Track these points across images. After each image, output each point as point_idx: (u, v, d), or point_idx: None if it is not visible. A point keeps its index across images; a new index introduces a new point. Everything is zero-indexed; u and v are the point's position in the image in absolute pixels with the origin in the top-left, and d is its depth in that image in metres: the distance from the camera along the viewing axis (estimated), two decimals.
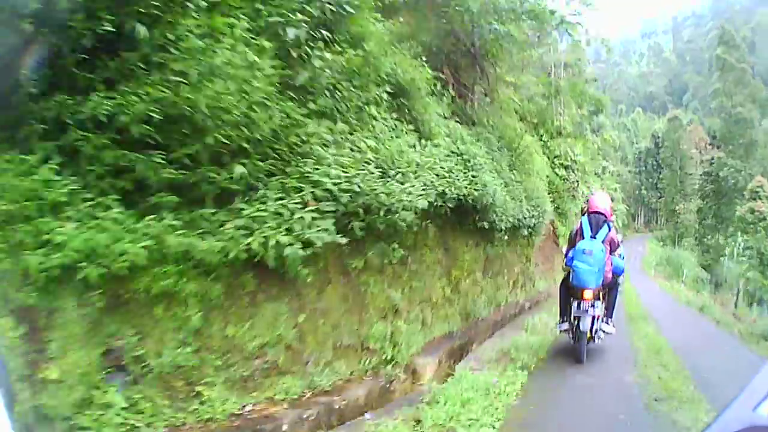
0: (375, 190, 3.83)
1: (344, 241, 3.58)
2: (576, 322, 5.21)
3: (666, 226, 57.01)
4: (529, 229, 9.62)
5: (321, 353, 3.78)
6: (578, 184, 18.59)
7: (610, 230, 5.17)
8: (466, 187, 5.53)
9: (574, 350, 5.42)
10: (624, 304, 10.99)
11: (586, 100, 17.74)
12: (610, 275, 5.26)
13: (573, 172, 18.01)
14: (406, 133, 4.86)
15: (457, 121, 6.92)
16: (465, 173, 5.68)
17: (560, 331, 5.59)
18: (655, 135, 61.69)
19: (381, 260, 4.47)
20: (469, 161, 5.87)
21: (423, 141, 5.09)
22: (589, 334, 5.22)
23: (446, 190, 5.06)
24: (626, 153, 63.49)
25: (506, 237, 8.05)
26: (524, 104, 15.53)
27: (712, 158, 45.87)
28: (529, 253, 10.99)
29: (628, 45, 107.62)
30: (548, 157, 16.83)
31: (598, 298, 5.19)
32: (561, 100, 14.56)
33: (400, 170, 4.27)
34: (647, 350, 6.60)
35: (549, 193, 14.71)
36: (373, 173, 3.93)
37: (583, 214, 5.55)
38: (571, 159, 17.89)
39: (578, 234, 5.28)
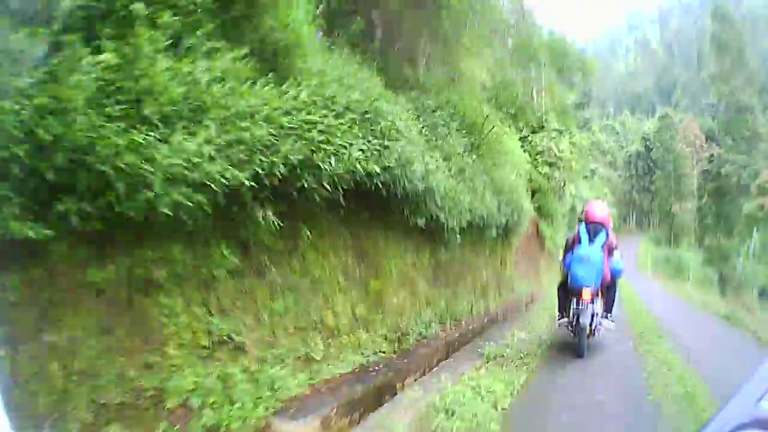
0: (92, 138, 2.11)
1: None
2: (575, 318, 5.29)
3: (659, 227, 54.34)
4: (500, 230, 7.94)
5: None
6: (565, 184, 16.90)
7: (608, 237, 5.30)
8: (362, 160, 3.64)
9: (574, 344, 5.48)
10: (626, 311, 9.11)
11: (569, 62, 15.74)
12: (609, 277, 5.36)
13: (558, 170, 16.33)
14: (240, 60, 3.06)
15: (393, 89, 5.22)
16: (365, 139, 3.87)
17: (559, 325, 5.72)
18: (646, 137, 58.74)
19: (194, 269, 2.73)
20: (374, 123, 4.04)
21: (285, 86, 3.34)
22: (588, 330, 5.29)
23: (307, 158, 3.15)
24: (615, 157, 60.48)
25: (465, 238, 6.32)
26: (499, 89, 13.97)
27: (712, 156, 43.04)
28: (504, 255, 9.28)
29: (615, 39, 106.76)
30: (529, 153, 15.19)
31: (597, 296, 5.31)
32: (543, 78, 12.81)
33: (178, 113, 2.50)
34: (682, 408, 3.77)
35: (531, 192, 13.10)
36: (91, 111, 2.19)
37: (580, 222, 5.62)
38: (555, 155, 16.25)
39: (576, 241, 5.37)
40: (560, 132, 16.64)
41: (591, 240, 5.22)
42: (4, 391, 1.33)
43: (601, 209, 5.63)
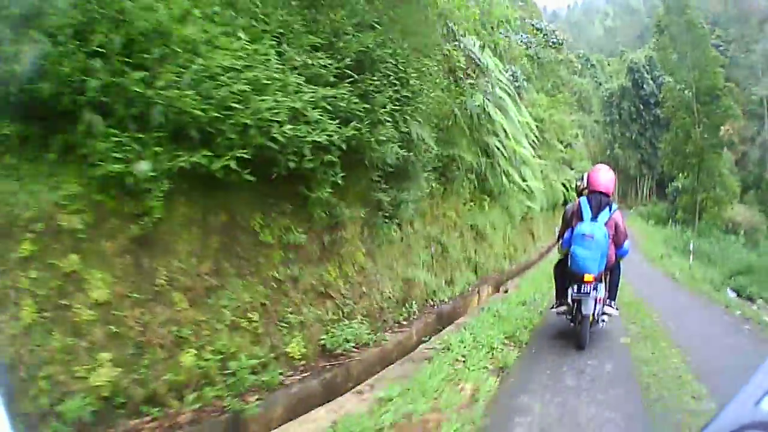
0: None
1: None
2: (576, 305, 4.68)
3: (654, 199, 42.32)
4: None
5: None
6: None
7: (613, 212, 4.56)
8: None
9: (574, 334, 4.82)
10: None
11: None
12: (613, 259, 4.71)
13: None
14: None
15: None
16: None
17: (557, 313, 5.11)
18: (633, 67, 42.84)
19: None
20: None
21: None
22: (591, 318, 4.62)
23: None
24: (590, 100, 45.31)
25: None
26: None
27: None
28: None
29: (590, 6, 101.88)
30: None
31: (601, 281, 4.62)
32: None
33: None
34: None
35: None
36: None
37: (580, 194, 4.94)
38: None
39: (575, 215, 4.69)
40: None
41: (594, 215, 4.53)
42: (4, 391, 1.32)
43: (606, 175, 4.76)
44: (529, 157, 12.86)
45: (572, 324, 4.88)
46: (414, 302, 5.13)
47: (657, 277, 12.15)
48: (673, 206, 32.03)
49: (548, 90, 25.13)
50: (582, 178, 5.19)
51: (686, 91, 27.51)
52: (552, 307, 5.24)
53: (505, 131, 8.95)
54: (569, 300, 4.71)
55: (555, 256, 5.66)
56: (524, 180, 12.00)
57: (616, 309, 5.06)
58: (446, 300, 5.78)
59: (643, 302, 7.54)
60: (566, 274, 4.72)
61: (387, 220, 4.72)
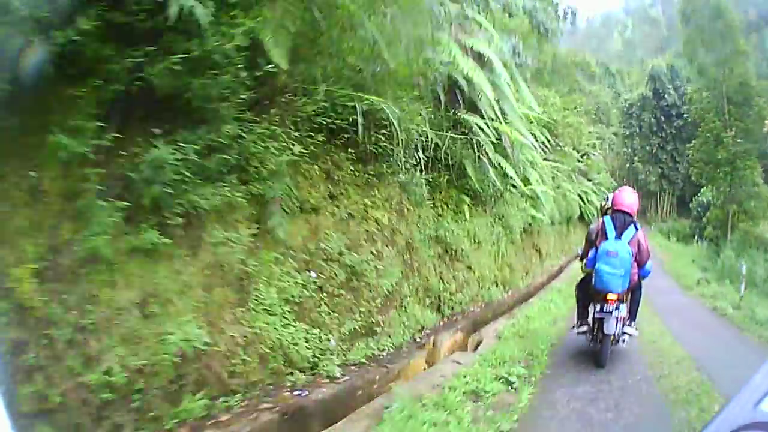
0: None
1: None
2: (597, 325, 4.73)
3: (674, 216, 39.91)
4: None
5: None
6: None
7: (637, 231, 4.61)
8: None
9: (594, 353, 4.81)
10: None
11: None
12: (636, 278, 4.66)
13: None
14: None
15: None
16: None
17: (578, 333, 5.02)
18: (654, 75, 39.69)
19: None
20: None
21: None
22: (612, 337, 4.63)
23: None
24: (608, 112, 42.74)
25: None
26: None
27: None
28: None
29: (608, 18, 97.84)
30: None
31: (623, 301, 4.62)
32: None
33: None
34: None
35: None
36: None
37: (604, 214, 4.94)
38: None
39: (600, 234, 4.68)
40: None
41: (618, 235, 4.54)
42: (4, 391, 1.35)
43: (631, 196, 4.82)
44: (534, 155, 10.25)
45: (592, 344, 4.89)
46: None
47: (699, 314, 9.00)
48: (699, 222, 28.09)
49: (564, 93, 22.78)
50: (607, 198, 5.29)
51: (715, 90, 24.04)
52: (572, 328, 5.14)
53: (493, 107, 6.40)
54: (590, 319, 4.76)
55: (570, 276, 5.49)
56: (527, 183, 9.39)
57: (636, 329, 5.00)
58: (331, 376, 3.15)
59: (691, 364, 4.82)
60: (589, 294, 4.79)
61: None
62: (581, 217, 19.89)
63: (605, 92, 45.26)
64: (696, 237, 27.26)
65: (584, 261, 5.00)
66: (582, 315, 5.00)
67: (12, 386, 1.94)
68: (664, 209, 43.90)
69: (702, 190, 27.53)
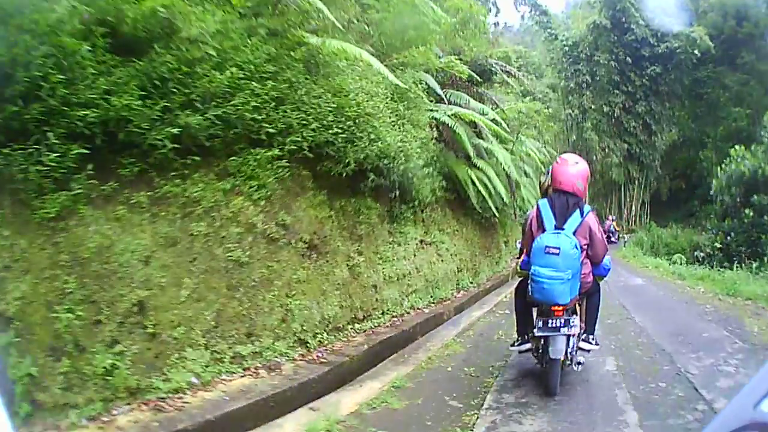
0: None
1: None
2: (543, 344, 3.65)
3: (648, 221, 24.93)
4: None
5: None
6: None
7: (584, 216, 3.50)
8: None
9: (543, 377, 3.77)
10: None
11: None
12: (589, 279, 3.64)
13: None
14: None
15: None
16: None
17: (519, 352, 4.12)
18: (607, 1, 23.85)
19: None
20: None
21: None
22: (563, 358, 3.59)
23: None
24: (539, 63, 28.55)
25: None
26: None
27: None
28: None
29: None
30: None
31: (574, 312, 3.67)
32: None
33: None
34: None
35: None
36: None
37: (544, 194, 3.92)
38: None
39: (537, 224, 3.62)
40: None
41: (560, 223, 3.48)
42: (4, 391, 1.35)
43: (573, 168, 3.64)
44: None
45: (540, 366, 3.85)
46: None
47: None
48: (727, 236, 14.52)
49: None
50: (547, 173, 3.99)
51: None
52: (513, 345, 4.12)
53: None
54: (534, 336, 3.72)
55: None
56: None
57: (595, 343, 3.94)
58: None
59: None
60: (528, 304, 3.81)
61: None
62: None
63: (536, 35, 29.80)
64: (723, 259, 13.61)
65: (519, 260, 4.11)
66: (522, 328, 4.05)
67: (12, 386, 2.00)
68: (634, 210, 26.70)
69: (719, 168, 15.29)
